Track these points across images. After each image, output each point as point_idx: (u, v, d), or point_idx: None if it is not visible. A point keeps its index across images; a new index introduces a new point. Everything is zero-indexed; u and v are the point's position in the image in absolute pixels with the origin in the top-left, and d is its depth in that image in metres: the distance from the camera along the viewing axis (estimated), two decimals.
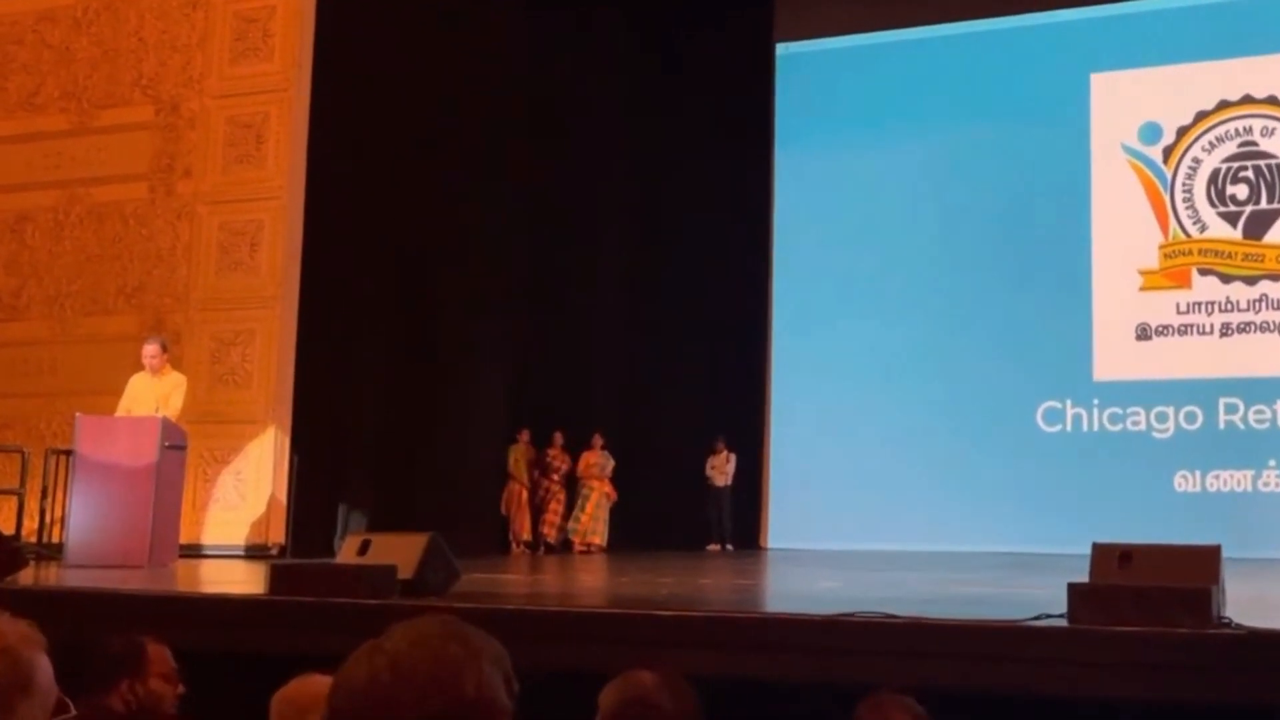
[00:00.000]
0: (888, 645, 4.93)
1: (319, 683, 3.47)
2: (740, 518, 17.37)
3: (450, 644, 1.72)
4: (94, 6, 13.52)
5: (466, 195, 14.59)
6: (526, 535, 15.96)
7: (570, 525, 16.20)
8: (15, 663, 2.24)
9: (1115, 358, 15.99)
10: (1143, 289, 15.99)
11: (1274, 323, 15.51)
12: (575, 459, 16.55)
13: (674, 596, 7.45)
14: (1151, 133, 16.25)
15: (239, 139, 12.86)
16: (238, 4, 13.04)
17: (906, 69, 17.47)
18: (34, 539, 11.31)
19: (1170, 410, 15.69)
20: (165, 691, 4.36)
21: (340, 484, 13.18)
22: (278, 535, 12.27)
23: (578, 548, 16.04)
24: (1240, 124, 15.99)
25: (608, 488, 16.41)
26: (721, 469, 17.36)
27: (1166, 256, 15.97)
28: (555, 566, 12.57)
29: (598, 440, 16.49)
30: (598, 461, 16.41)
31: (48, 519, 11.55)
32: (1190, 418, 15.60)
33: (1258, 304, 15.58)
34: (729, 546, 17.00)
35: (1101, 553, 5.17)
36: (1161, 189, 16.07)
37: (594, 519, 16.23)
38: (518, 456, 16.04)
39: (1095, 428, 16.01)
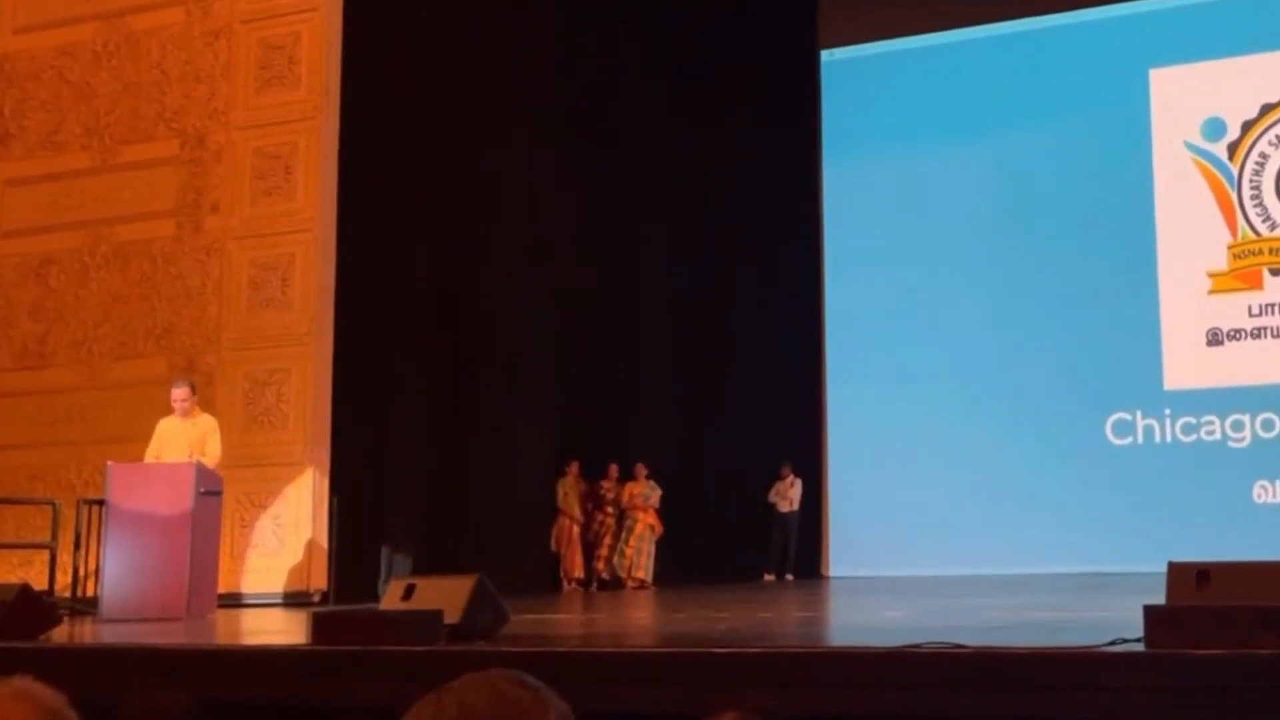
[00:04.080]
0: (957, 677, 4.68)
1: None
2: (800, 546, 16.95)
3: (519, 690, 1.76)
4: (114, 40, 13.29)
5: (504, 220, 14.32)
6: (579, 572, 15.64)
7: (615, 560, 15.78)
8: None
9: (1186, 365, 15.65)
10: (1212, 292, 15.65)
11: None
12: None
13: (733, 632, 7.21)
14: (1215, 128, 15.90)
15: (267, 171, 12.57)
16: (262, 31, 12.79)
17: (957, 71, 17.26)
18: (68, 594, 11.11)
19: (1246, 418, 15.35)
20: None
21: (382, 525, 12.92)
22: (319, 581, 11.97)
23: (629, 584, 15.58)
24: None
25: (652, 519, 16.08)
26: (785, 494, 17.03)
27: (1236, 257, 15.57)
28: (607, 604, 12.21)
29: (641, 470, 16.19)
30: (642, 492, 16.06)
31: (81, 573, 11.33)
32: (1267, 425, 15.25)
33: None
34: (789, 576, 16.56)
35: (1178, 572, 4.95)
36: (1228, 186, 15.70)
37: (638, 552, 15.81)
38: (567, 490, 15.70)
39: (1168, 439, 15.68)
